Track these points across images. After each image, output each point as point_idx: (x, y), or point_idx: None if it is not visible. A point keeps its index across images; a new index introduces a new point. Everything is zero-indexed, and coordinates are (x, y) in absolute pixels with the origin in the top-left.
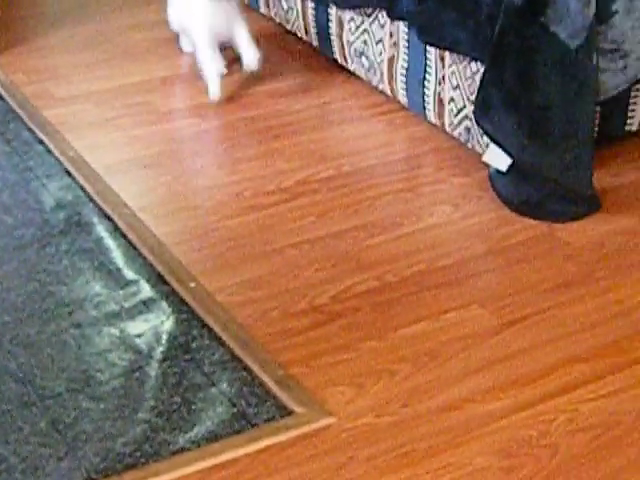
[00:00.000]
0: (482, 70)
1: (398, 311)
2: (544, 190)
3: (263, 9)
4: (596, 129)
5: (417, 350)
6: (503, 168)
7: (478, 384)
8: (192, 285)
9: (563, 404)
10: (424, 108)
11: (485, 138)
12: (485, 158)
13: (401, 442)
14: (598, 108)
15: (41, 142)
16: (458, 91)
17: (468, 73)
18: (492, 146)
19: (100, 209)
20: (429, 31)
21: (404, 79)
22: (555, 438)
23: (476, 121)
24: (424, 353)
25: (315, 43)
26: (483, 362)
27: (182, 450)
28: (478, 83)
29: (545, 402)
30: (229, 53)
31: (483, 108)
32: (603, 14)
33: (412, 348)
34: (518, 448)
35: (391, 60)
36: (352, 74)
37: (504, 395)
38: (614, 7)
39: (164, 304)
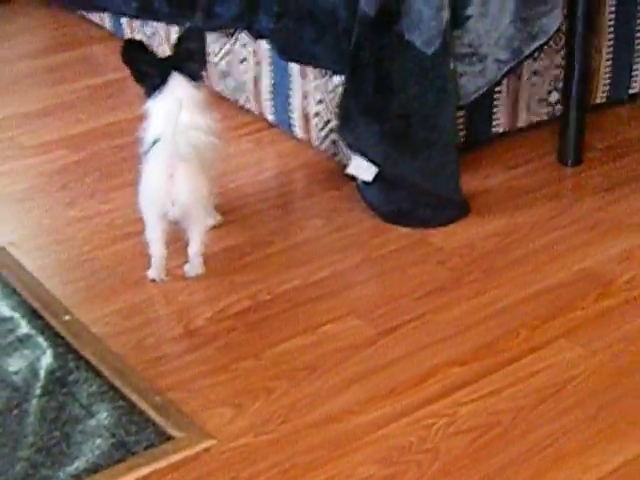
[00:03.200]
0: None
1: (274, 328)
2: (413, 197)
3: (127, 33)
4: (462, 133)
5: (294, 366)
6: (368, 178)
7: (357, 395)
8: (66, 318)
9: (442, 408)
10: (291, 124)
11: (350, 152)
12: (349, 170)
13: (282, 458)
14: (462, 112)
15: None
16: (322, 105)
17: (330, 87)
18: (356, 157)
19: None
20: (289, 48)
21: (270, 96)
22: (435, 442)
23: (339, 133)
24: (301, 368)
25: None
26: (361, 372)
27: None
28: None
29: (424, 407)
30: None
31: (345, 120)
32: (457, 19)
33: (289, 364)
34: (399, 455)
35: (256, 79)
36: (220, 96)
37: (383, 404)
38: (468, 11)
39: (40, 339)
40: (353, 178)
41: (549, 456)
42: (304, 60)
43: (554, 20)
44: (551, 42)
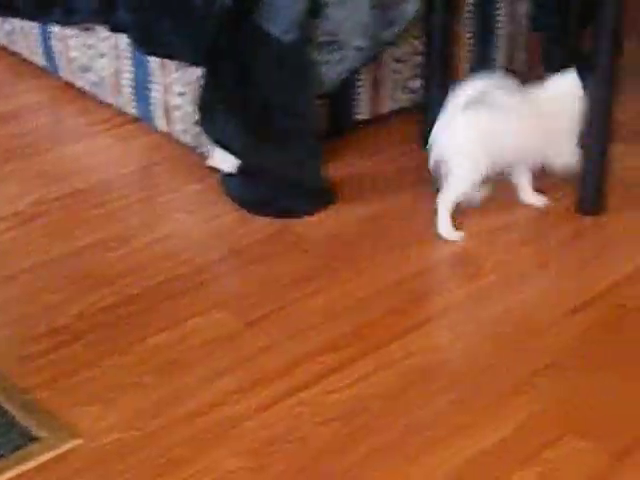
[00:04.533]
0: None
1: (141, 323)
2: (276, 187)
3: None
4: (325, 121)
5: (162, 360)
6: (230, 170)
7: (224, 387)
8: None
9: (309, 397)
10: (153, 118)
11: (211, 144)
12: (210, 162)
13: (152, 454)
14: (325, 101)
15: None
16: (184, 98)
17: (191, 79)
18: (217, 149)
19: None
20: (147, 41)
21: (131, 91)
22: (303, 432)
23: (200, 125)
24: (169, 362)
25: (42, 63)
26: (228, 364)
27: None
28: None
29: (292, 397)
30: None
31: (205, 112)
32: (315, 7)
33: (157, 359)
34: (267, 446)
35: (116, 73)
36: (81, 91)
37: (251, 395)
38: (325, 0)
39: None
40: (217, 170)
41: (417, 441)
42: (163, 53)
43: (412, 6)
44: (411, 28)
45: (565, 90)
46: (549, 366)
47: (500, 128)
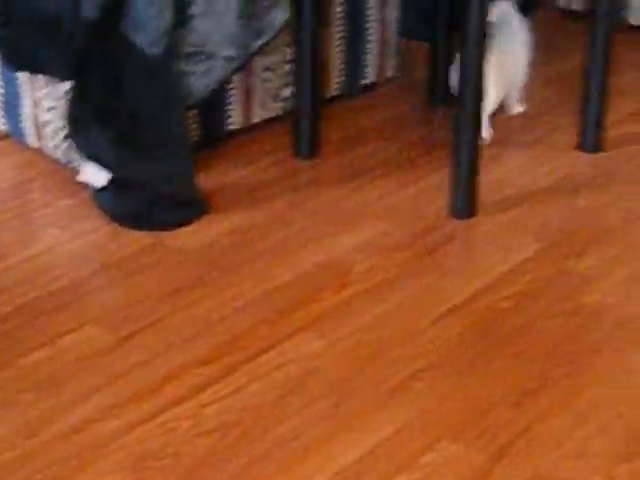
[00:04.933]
0: None
1: (15, 341)
2: (149, 200)
3: None
4: (196, 132)
5: (37, 378)
6: (101, 184)
7: (100, 403)
8: None
9: (184, 411)
10: (24, 134)
11: (82, 159)
12: (82, 177)
13: (27, 474)
14: (195, 111)
15: None
16: (54, 113)
17: (60, 93)
18: (88, 164)
19: None
20: (16, 56)
21: (0, 106)
22: (179, 446)
23: (71, 140)
24: (44, 380)
25: None
26: (103, 380)
27: None
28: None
29: (166, 411)
30: None
31: (75, 126)
32: (182, 18)
33: (32, 377)
34: (144, 461)
35: None
36: None
37: (127, 410)
38: (192, 10)
39: None
40: (88, 185)
41: (294, 450)
42: (32, 68)
43: (280, 15)
44: (281, 37)
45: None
46: (423, 370)
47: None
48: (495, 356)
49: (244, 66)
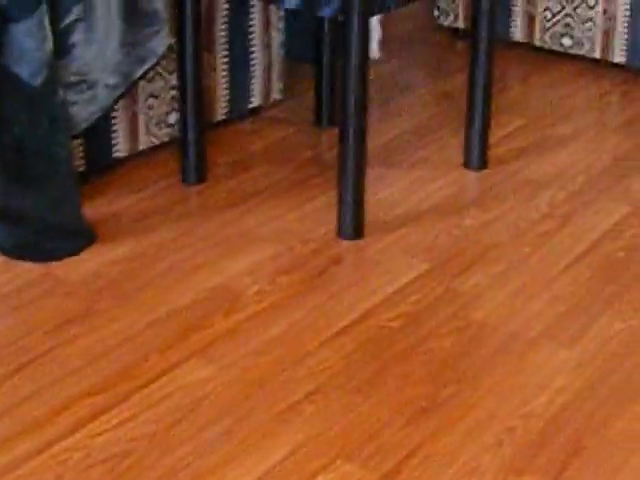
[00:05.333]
0: None
1: None
2: (35, 230)
3: None
4: (82, 161)
5: None
6: None
7: None
8: None
9: (76, 442)
10: None
11: None
12: None
13: None
14: (80, 140)
15: None
16: None
17: None
18: None
19: None
20: None
21: None
22: (72, 476)
23: None
24: None
25: None
26: None
27: None
28: None
29: (58, 443)
30: None
31: None
32: (62, 48)
33: None
34: None
35: None
36: None
37: (19, 443)
38: (72, 39)
39: None
40: None
41: (187, 477)
42: None
43: (161, 42)
44: (164, 63)
45: None
46: (314, 392)
47: None
48: (385, 376)
49: (126, 94)
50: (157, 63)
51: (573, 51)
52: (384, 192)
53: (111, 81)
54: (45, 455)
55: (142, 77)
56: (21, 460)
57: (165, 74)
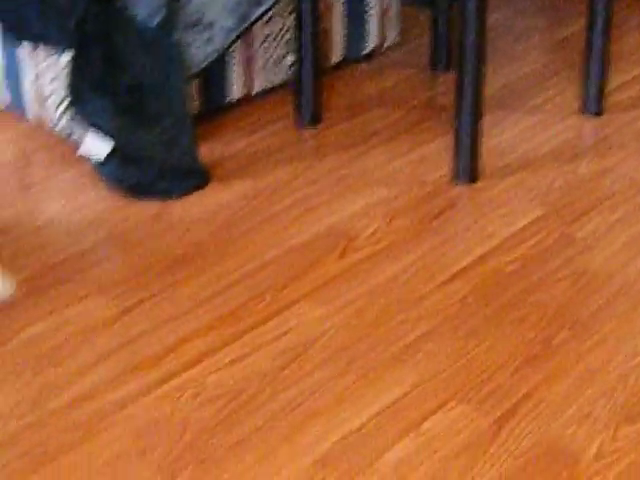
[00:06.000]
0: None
1: (18, 314)
2: (151, 170)
3: None
4: (197, 102)
5: (40, 350)
6: (103, 155)
7: (105, 373)
8: None
9: (188, 380)
10: (25, 107)
11: (84, 130)
12: (81, 151)
13: (32, 444)
14: (196, 81)
15: None
16: (55, 84)
17: (62, 65)
18: (88, 137)
19: None
20: (15, 27)
21: (1, 79)
22: (184, 414)
23: (72, 111)
24: (47, 352)
25: None
26: (106, 351)
27: None
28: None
29: (171, 380)
30: None
31: (76, 97)
32: None
33: (34, 349)
34: (150, 429)
35: None
36: None
37: (131, 379)
38: None
39: None
40: (90, 157)
41: (297, 417)
42: (32, 39)
43: None
44: (281, 5)
45: None
46: (428, 334)
47: None
48: (499, 320)
49: (244, 35)
50: (274, 4)
51: None
52: (500, 137)
53: (228, 23)
54: (157, 392)
55: (258, 19)
56: (134, 397)
57: (282, 16)
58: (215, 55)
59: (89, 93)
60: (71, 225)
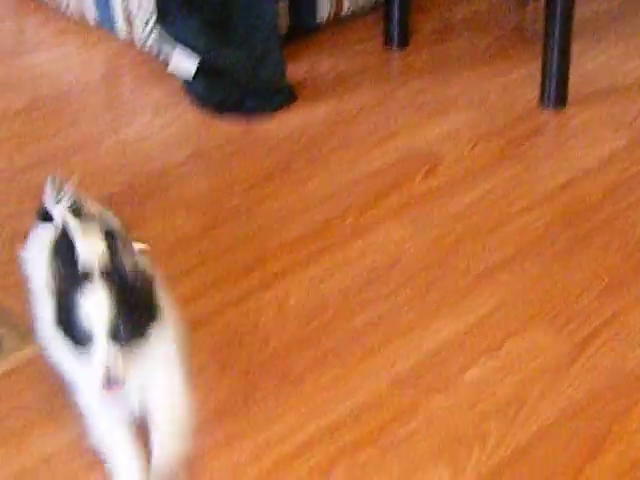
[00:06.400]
0: None
1: None
2: (239, 88)
3: None
4: (286, 21)
5: None
6: (191, 73)
7: (189, 285)
8: None
9: (271, 296)
10: (114, 25)
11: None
12: (170, 68)
13: None
14: (285, 2)
15: None
16: (144, 2)
17: None
18: (176, 54)
19: None
20: None
21: None
22: (266, 329)
23: (159, 28)
24: None
25: None
26: (192, 265)
27: None
28: None
29: (253, 296)
30: None
31: (164, 13)
32: None
33: None
34: (232, 342)
35: None
36: (42, 1)
37: (214, 293)
38: None
39: None
40: (178, 74)
41: (377, 336)
42: None
43: None
44: None
45: None
46: (508, 260)
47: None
48: (583, 246)
49: None
50: None
51: None
52: (588, 65)
53: None
54: (241, 306)
55: None
56: (217, 309)
57: None
58: None
59: (177, 10)
60: (158, 141)
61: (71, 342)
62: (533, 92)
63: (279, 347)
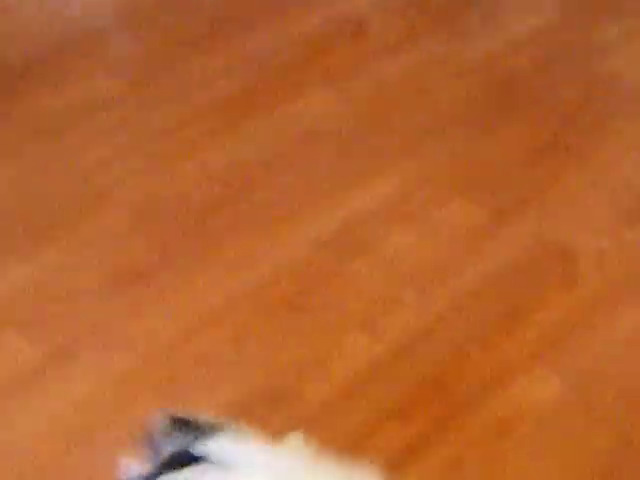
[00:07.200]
0: None
1: (27, 87)
2: None
3: None
4: None
5: (45, 125)
6: None
7: (113, 144)
8: None
9: (194, 158)
10: None
11: None
12: None
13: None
14: None
15: None
16: None
17: None
18: None
19: None
20: None
21: None
22: (185, 190)
23: None
24: (52, 126)
25: None
26: (109, 127)
27: None
28: None
29: (175, 157)
30: None
31: None
32: None
33: (38, 123)
34: (151, 204)
35: None
36: None
37: (134, 156)
38: None
39: None
40: None
41: (301, 197)
42: None
43: None
44: None
45: None
46: (437, 128)
47: None
48: (510, 118)
49: None
50: None
51: None
52: None
53: None
54: (160, 168)
55: None
56: (135, 172)
57: None
58: None
59: None
60: (77, 3)
61: None
62: None
63: (200, 208)
